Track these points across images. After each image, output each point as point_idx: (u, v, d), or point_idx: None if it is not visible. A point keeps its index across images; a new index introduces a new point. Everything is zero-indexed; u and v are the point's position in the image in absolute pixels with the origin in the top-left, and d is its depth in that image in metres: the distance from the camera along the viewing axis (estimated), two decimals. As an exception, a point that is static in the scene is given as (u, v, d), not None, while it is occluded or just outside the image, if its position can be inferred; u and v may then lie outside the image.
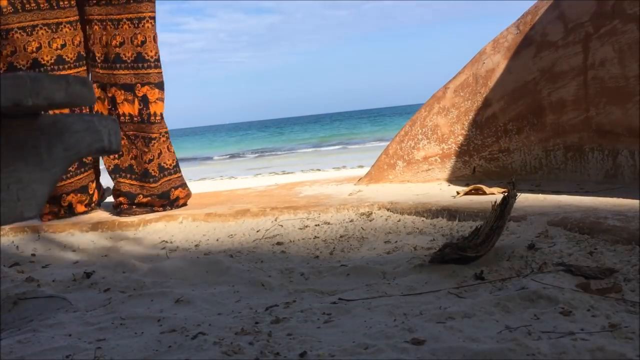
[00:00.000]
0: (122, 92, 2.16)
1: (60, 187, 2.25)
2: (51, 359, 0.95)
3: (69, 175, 2.28)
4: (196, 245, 1.79)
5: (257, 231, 1.92)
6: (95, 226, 2.09)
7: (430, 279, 1.23)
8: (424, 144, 2.53)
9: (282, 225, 1.93)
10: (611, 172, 2.05)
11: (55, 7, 2.10)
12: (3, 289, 1.39)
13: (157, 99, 2.21)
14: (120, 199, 2.28)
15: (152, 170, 2.24)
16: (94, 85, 2.17)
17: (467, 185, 2.15)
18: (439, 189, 2.26)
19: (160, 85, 2.22)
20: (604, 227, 1.38)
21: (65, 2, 2.11)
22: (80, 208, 2.34)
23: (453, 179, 2.46)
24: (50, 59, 2.09)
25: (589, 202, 1.71)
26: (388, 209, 1.95)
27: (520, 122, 2.36)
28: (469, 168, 2.48)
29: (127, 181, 2.28)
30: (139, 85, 2.17)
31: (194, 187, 2.69)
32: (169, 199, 2.30)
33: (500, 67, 2.42)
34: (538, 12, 2.36)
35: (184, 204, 2.36)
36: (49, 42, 2.05)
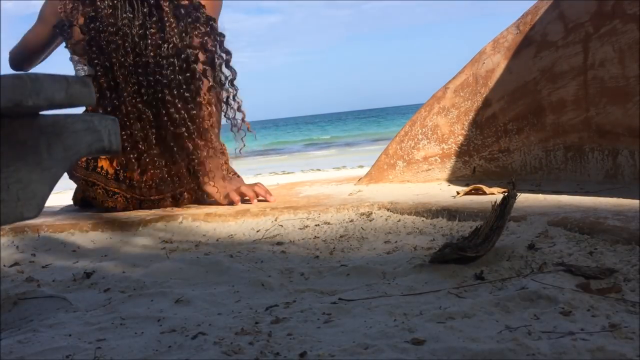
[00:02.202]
0: None
1: None
2: (51, 359, 0.95)
3: None
4: (196, 246, 1.79)
5: (257, 231, 1.92)
6: (95, 226, 2.09)
7: (430, 279, 1.23)
8: (424, 144, 2.53)
9: (282, 225, 1.93)
10: (611, 172, 2.05)
11: None
12: (3, 289, 1.39)
13: None
14: None
15: None
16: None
17: (467, 185, 2.15)
18: (439, 189, 2.26)
19: None
20: (604, 227, 1.37)
21: None
22: None
23: (453, 179, 2.47)
24: None
25: (589, 202, 1.71)
26: (388, 209, 1.95)
27: (520, 122, 2.36)
28: (469, 168, 2.48)
29: None
30: None
31: (194, 187, 2.69)
32: None
33: (500, 67, 2.42)
34: (538, 12, 2.36)
35: None
36: None
